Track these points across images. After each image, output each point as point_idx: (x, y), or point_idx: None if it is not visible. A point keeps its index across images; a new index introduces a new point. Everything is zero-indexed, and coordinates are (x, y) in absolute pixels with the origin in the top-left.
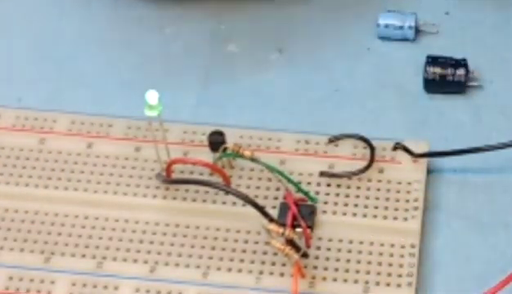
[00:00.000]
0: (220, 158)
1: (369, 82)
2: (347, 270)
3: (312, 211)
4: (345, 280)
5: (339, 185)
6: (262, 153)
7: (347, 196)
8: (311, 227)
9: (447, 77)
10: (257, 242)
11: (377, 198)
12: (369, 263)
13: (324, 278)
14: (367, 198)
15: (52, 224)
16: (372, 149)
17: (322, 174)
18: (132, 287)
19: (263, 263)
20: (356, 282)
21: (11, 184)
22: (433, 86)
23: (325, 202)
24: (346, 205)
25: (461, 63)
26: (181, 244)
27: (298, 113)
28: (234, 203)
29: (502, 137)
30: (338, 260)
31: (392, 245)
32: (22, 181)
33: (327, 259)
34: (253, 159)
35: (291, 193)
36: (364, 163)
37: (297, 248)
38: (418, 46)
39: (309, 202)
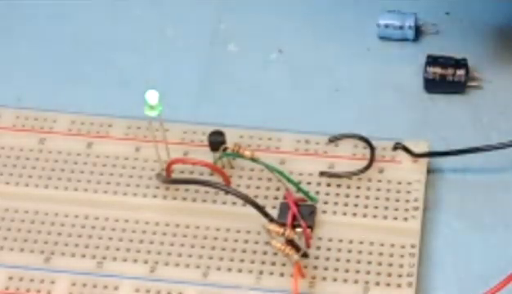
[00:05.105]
0: (220, 158)
1: (369, 82)
2: (347, 270)
3: (312, 211)
4: (345, 280)
5: (339, 185)
6: (262, 153)
7: (347, 196)
8: (311, 227)
9: (447, 77)
10: (257, 242)
11: (377, 198)
12: (369, 263)
13: (324, 278)
14: (367, 198)
15: (52, 224)
16: (372, 149)
17: (322, 174)
18: (132, 287)
19: (263, 263)
20: (356, 282)
21: (11, 184)
22: (433, 86)
23: (325, 202)
24: (346, 205)
25: (461, 63)
26: (181, 244)
27: (298, 113)
28: (234, 203)
29: (502, 137)
30: (338, 260)
31: (393, 245)
32: (22, 181)
33: (327, 259)
34: (253, 159)
35: (291, 193)
36: (364, 163)
37: (297, 248)
38: (418, 46)
39: (309, 202)
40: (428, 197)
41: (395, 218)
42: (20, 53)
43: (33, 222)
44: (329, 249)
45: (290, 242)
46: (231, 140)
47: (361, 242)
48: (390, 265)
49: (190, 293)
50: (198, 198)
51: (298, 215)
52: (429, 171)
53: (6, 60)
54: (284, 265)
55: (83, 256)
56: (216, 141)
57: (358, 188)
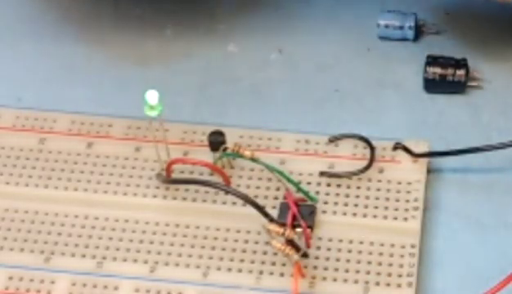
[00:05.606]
0: (220, 158)
1: (369, 82)
2: (347, 270)
3: (312, 211)
4: (345, 280)
5: (339, 185)
6: (262, 153)
7: (347, 196)
8: (311, 227)
9: (447, 77)
10: (257, 242)
11: (377, 198)
12: (369, 263)
13: (324, 278)
14: (367, 198)
15: (52, 224)
16: (372, 149)
17: (322, 174)
18: (132, 287)
19: (263, 263)
20: (356, 282)
21: (11, 184)
22: (433, 86)
23: (325, 202)
24: (346, 205)
25: (461, 63)
26: (181, 244)
27: (298, 113)
28: (234, 203)
29: (502, 137)
30: (338, 260)
31: (393, 245)
32: (22, 181)
33: (327, 259)
34: (253, 159)
35: (291, 193)
36: (364, 163)
37: (297, 248)
38: (418, 46)
39: (309, 202)
40: (428, 197)
41: (395, 218)
42: (20, 53)
43: (33, 222)
44: (329, 249)
45: (290, 242)
46: (231, 140)
47: (361, 242)
48: (390, 265)
49: (190, 293)
50: (198, 198)
51: (298, 215)
52: (429, 171)
53: (6, 59)
54: (284, 265)
55: (83, 256)
56: (216, 141)
57: (358, 188)
